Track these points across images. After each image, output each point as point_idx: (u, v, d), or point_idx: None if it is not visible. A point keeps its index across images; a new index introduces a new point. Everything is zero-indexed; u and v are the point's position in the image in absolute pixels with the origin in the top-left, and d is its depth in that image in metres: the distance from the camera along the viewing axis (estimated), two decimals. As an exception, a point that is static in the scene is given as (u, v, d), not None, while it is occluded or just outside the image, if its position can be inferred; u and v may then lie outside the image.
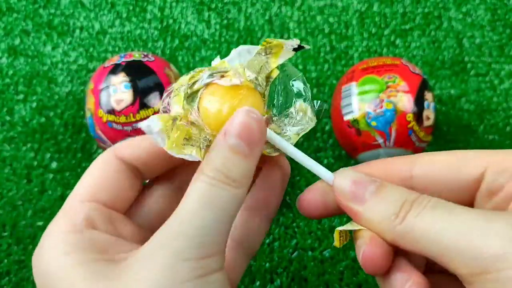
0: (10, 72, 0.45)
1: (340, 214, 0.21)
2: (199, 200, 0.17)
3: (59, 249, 0.18)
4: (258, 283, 0.35)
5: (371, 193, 0.18)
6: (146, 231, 0.21)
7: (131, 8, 0.49)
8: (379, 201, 0.18)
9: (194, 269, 0.16)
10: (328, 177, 0.20)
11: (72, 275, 0.17)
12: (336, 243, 0.20)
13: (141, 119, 0.34)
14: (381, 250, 0.18)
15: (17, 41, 0.47)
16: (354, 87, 0.36)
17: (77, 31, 0.48)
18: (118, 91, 0.34)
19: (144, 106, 0.34)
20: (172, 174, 0.23)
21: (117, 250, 0.18)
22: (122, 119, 0.34)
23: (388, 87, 0.35)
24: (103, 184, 0.20)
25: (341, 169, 0.20)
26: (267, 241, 0.37)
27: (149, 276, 0.16)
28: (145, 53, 0.37)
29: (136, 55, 0.36)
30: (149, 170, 0.22)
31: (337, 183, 0.19)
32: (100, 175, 0.20)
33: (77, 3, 0.50)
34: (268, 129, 0.20)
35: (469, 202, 0.20)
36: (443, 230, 0.16)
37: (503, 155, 0.19)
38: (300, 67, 0.46)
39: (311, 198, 0.21)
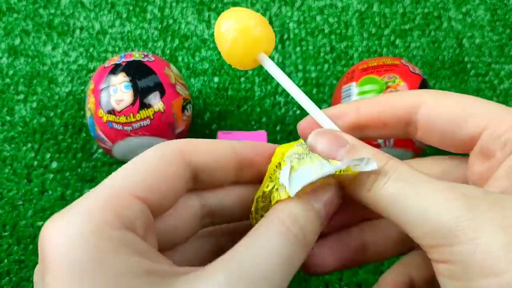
0: (10, 72, 0.45)
1: None
2: (278, 252, 0.16)
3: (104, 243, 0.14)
4: (258, 283, 0.35)
5: (341, 156, 0.18)
6: (160, 246, 0.18)
7: (131, 8, 0.49)
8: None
9: None
10: (326, 125, 0.20)
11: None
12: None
13: (141, 119, 0.34)
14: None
15: (17, 41, 0.47)
16: (354, 87, 0.36)
17: (77, 31, 0.48)
18: (118, 91, 0.34)
19: (144, 106, 0.34)
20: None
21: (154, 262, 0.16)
22: (122, 119, 0.34)
23: (388, 87, 0.35)
24: (158, 184, 0.17)
25: (315, 129, 0.20)
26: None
27: None
28: (145, 53, 0.37)
29: (136, 55, 0.36)
30: (204, 182, 0.19)
31: (309, 143, 0.19)
32: (158, 174, 0.17)
33: (77, 3, 0.50)
34: (266, 58, 0.20)
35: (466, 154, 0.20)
36: (405, 203, 0.16)
37: (504, 117, 0.18)
38: (300, 67, 0.46)
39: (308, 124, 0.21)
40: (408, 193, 0.16)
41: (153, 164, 0.17)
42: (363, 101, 0.20)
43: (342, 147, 0.18)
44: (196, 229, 0.18)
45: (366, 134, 0.21)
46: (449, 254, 0.15)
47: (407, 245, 0.22)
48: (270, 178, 0.19)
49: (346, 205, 0.20)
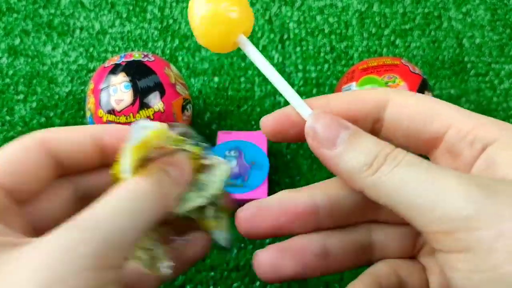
0: (10, 72, 0.45)
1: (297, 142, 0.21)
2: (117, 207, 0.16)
3: None
4: (258, 283, 0.35)
5: (343, 140, 0.18)
6: (36, 230, 0.19)
7: (131, 8, 0.49)
8: (351, 148, 0.18)
9: (90, 280, 0.15)
10: (306, 113, 0.20)
11: None
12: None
13: (141, 119, 0.34)
14: None
15: (17, 41, 0.47)
16: (354, 87, 0.36)
17: (77, 31, 0.48)
18: (118, 91, 0.34)
19: (144, 106, 0.34)
20: (81, 177, 0.21)
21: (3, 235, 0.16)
22: (122, 119, 0.34)
23: (388, 87, 0.35)
24: (16, 171, 0.18)
25: (316, 110, 0.20)
26: (267, 241, 0.37)
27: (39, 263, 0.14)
28: (145, 53, 0.37)
29: (136, 55, 0.36)
30: (70, 167, 0.20)
31: (310, 125, 0.19)
32: (16, 161, 0.18)
33: (77, 3, 0.50)
34: (247, 40, 0.20)
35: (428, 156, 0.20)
36: (417, 189, 0.16)
37: (472, 120, 0.18)
38: (300, 67, 0.46)
39: (276, 118, 0.21)
40: (419, 178, 0.16)
41: (12, 153, 0.18)
42: (333, 95, 0.20)
43: (345, 129, 0.18)
44: (71, 212, 0.18)
45: None
46: (466, 241, 0.15)
47: (366, 256, 0.22)
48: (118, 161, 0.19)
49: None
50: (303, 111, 0.20)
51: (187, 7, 0.49)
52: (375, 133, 0.20)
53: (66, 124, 0.42)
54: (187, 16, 0.21)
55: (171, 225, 0.21)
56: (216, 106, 0.44)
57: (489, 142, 0.17)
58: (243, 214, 0.21)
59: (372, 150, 0.17)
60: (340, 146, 0.18)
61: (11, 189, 0.18)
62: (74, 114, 0.43)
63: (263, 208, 0.21)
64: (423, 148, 0.20)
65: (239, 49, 0.46)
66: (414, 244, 0.22)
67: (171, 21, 0.49)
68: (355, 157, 0.18)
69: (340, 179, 0.20)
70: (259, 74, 0.45)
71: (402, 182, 0.16)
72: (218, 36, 0.20)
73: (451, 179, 0.16)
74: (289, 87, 0.20)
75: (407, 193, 0.16)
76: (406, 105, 0.19)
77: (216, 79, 0.45)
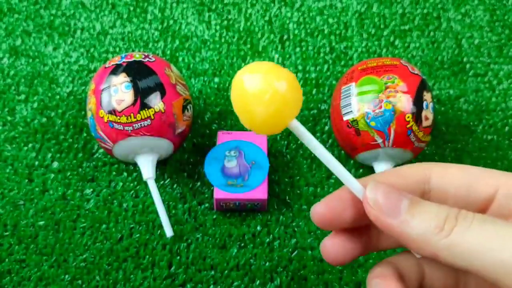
0: (12, 72, 0.45)
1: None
2: None
3: None
4: (258, 282, 0.36)
5: (407, 206, 0.18)
6: None
7: (132, 9, 0.50)
8: (417, 214, 0.18)
9: None
10: (358, 188, 0.20)
11: None
12: None
13: (142, 119, 0.34)
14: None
15: (18, 42, 0.47)
16: (353, 88, 0.36)
17: (78, 31, 0.48)
18: (119, 92, 0.34)
19: (144, 106, 0.34)
20: None
21: None
22: (123, 119, 0.34)
23: (387, 87, 0.35)
24: None
25: (370, 181, 0.20)
26: (267, 240, 0.37)
27: None
28: (146, 54, 0.37)
29: (137, 56, 0.37)
30: None
31: (370, 196, 0.19)
32: None
33: (78, 4, 0.50)
34: (299, 124, 0.19)
35: None
36: (500, 246, 0.16)
37: (510, 177, 0.19)
38: (300, 67, 0.46)
39: (329, 203, 0.21)
40: (500, 234, 0.16)
41: None
42: (378, 175, 0.21)
43: (405, 198, 0.19)
44: None
45: None
46: None
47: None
48: None
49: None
50: (356, 187, 0.20)
51: (187, 8, 0.50)
52: None
53: (67, 124, 0.42)
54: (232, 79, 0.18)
55: None
56: (216, 106, 0.44)
57: None
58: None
59: (439, 213, 0.18)
60: (404, 213, 0.18)
61: None
62: (75, 114, 0.43)
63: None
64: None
65: (238, 50, 0.46)
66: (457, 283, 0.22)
67: (171, 21, 0.49)
68: (423, 221, 0.18)
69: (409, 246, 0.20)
70: (259, 74, 0.45)
71: (482, 240, 0.16)
72: (273, 121, 0.18)
73: None
74: (341, 165, 0.20)
75: (489, 252, 0.16)
76: (448, 173, 0.20)
77: (216, 79, 0.45)
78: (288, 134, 0.42)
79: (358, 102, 0.35)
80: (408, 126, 0.35)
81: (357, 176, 0.40)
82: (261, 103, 0.17)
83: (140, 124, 0.34)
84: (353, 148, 0.37)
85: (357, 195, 0.20)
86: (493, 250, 0.16)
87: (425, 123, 0.35)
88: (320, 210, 0.21)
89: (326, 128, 0.42)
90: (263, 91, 0.17)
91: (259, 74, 0.17)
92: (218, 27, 0.49)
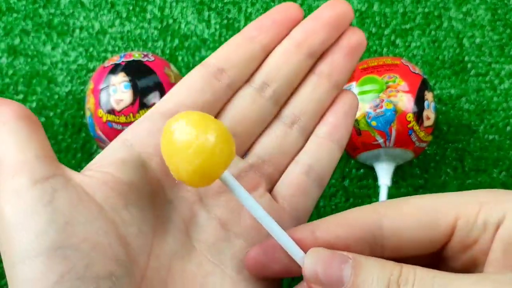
0: (10, 72, 0.45)
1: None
2: None
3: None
4: (258, 283, 0.35)
5: (349, 276, 0.17)
6: None
7: (131, 8, 0.49)
8: (360, 284, 0.17)
9: None
10: (299, 255, 0.18)
11: None
12: None
13: (141, 119, 0.34)
14: None
15: (16, 41, 0.47)
16: (354, 87, 0.36)
17: (77, 31, 0.48)
18: (118, 91, 0.34)
19: (144, 106, 0.34)
20: None
21: None
22: (122, 119, 0.34)
23: (388, 87, 0.35)
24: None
25: (309, 251, 0.18)
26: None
27: None
28: (145, 53, 0.37)
29: (136, 55, 0.36)
30: None
31: (308, 267, 0.18)
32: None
33: (77, 2, 0.49)
34: (231, 177, 0.18)
35: (438, 255, 0.19)
36: None
37: (474, 201, 0.18)
38: (300, 67, 0.46)
39: (265, 250, 0.19)
40: None
41: None
42: (317, 223, 0.19)
43: (345, 262, 0.17)
44: None
45: None
46: None
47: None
48: None
49: None
50: (297, 254, 0.18)
51: (187, 6, 0.49)
52: (377, 255, 0.19)
53: (66, 123, 0.42)
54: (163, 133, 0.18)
55: None
56: (216, 106, 0.43)
57: (500, 220, 0.17)
58: None
59: (380, 279, 0.17)
60: (347, 284, 0.17)
61: None
62: (74, 114, 0.43)
63: None
64: (433, 249, 0.19)
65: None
66: None
67: (171, 20, 0.49)
68: None
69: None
70: (259, 74, 0.45)
71: None
72: (199, 175, 0.17)
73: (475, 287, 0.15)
74: (277, 225, 0.18)
75: None
76: (400, 216, 0.19)
77: (216, 79, 0.45)
78: (288, 134, 0.42)
79: (358, 102, 0.35)
80: (409, 125, 0.34)
81: (358, 177, 0.40)
82: (184, 157, 0.16)
83: (139, 124, 0.34)
84: (354, 148, 0.37)
85: (298, 262, 0.18)
86: None
87: (427, 123, 0.35)
88: (254, 255, 0.19)
89: (327, 128, 0.42)
90: (187, 144, 0.16)
91: (187, 125, 0.16)
92: (218, 26, 0.48)
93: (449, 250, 0.19)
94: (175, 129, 0.17)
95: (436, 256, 0.20)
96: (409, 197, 0.19)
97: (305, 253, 0.18)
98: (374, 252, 0.19)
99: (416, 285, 0.16)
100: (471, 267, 0.18)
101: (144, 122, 0.21)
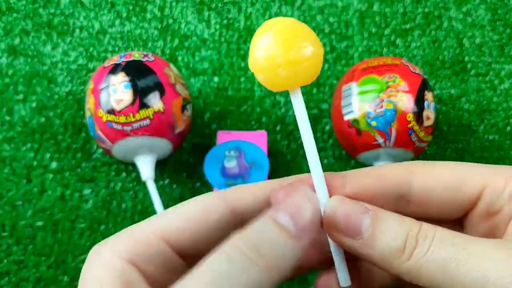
0: (10, 72, 0.45)
1: None
2: (215, 274, 0.15)
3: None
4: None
5: (367, 227, 0.17)
6: None
7: (131, 7, 0.49)
8: (378, 234, 0.17)
9: None
10: (323, 201, 0.19)
11: None
12: None
13: (141, 119, 0.34)
14: None
15: (16, 41, 0.47)
16: (354, 87, 0.36)
17: (77, 30, 0.48)
18: (117, 91, 0.34)
19: (143, 106, 0.34)
20: None
21: None
22: (122, 119, 0.34)
23: (388, 87, 0.35)
24: (191, 230, 0.18)
25: (334, 197, 0.18)
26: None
27: None
28: (145, 53, 0.37)
29: (136, 55, 0.36)
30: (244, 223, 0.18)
31: (328, 215, 0.18)
32: (194, 217, 0.18)
33: (76, 2, 0.49)
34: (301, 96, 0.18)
35: (461, 219, 0.20)
36: (458, 269, 0.16)
37: (502, 174, 0.18)
38: (300, 67, 0.46)
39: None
40: (460, 258, 0.16)
41: (193, 211, 0.18)
42: (350, 173, 0.20)
43: (365, 213, 0.18)
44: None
45: None
46: None
47: None
48: None
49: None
50: (322, 193, 0.19)
51: (187, 6, 0.49)
52: (402, 210, 0.19)
53: (66, 123, 0.42)
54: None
55: None
56: (216, 106, 0.43)
57: None
58: None
59: (399, 233, 0.17)
60: (365, 234, 0.17)
61: (183, 247, 0.18)
62: (74, 114, 0.43)
63: None
64: (457, 214, 0.20)
65: (238, 49, 0.46)
66: None
67: (171, 20, 0.49)
68: (384, 243, 0.17)
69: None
70: (259, 74, 0.45)
71: (442, 263, 0.16)
72: (281, 80, 0.18)
73: (490, 253, 0.16)
74: (318, 161, 0.19)
75: (450, 274, 0.16)
76: (432, 176, 0.19)
77: (216, 79, 0.45)
78: (288, 134, 0.42)
79: (359, 102, 0.35)
80: (409, 125, 0.34)
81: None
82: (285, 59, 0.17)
83: (139, 124, 0.34)
84: (354, 148, 0.37)
85: (320, 206, 0.18)
86: (452, 273, 0.16)
87: (427, 123, 0.35)
88: (280, 195, 0.19)
89: (327, 128, 0.42)
90: (288, 57, 0.17)
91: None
92: (217, 26, 0.48)
93: (472, 217, 0.19)
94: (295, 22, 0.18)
95: (457, 224, 0.20)
96: (440, 161, 0.20)
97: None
98: (399, 207, 0.19)
99: (435, 241, 0.16)
100: (490, 237, 0.19)
101: None
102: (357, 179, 0.19)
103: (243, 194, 0.19)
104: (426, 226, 0.17)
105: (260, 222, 0.16)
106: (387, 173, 0.19)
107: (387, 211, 0.18)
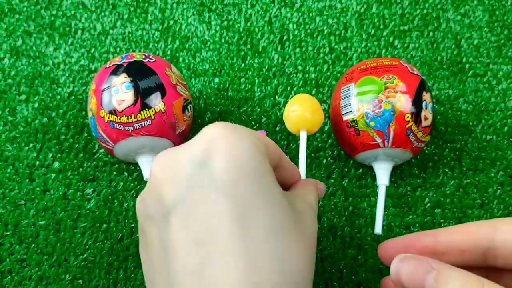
0: (12, 72, 0.45)
1: None
2: None
3: None
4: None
5: (432, 283, 0.18)
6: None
7: (132, 9, 0.50)
8: None
9: None
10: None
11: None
12: None
13: (142, 119, 0.34)
14: None
15: (19, 42, 0.47)
16: (353, 88, 0.36)
17: (79, 32, 0.48)
18: (119, 92, 0.34)
19: (145, 106, 0.34)
20: None
21: None
22: (124, 119, 0.34)
23: (386, 87, 0.35)
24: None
25: (400, 255, 0.20)
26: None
27: None
28: (146, 54, 0.37)
29: (137, 56, 0.37)
30: None
31: (394, 273, 0.19)
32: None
33: (78, 4, 0.50)
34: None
35: None
36: None
37: None
38: (300, 68, 0.46)
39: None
40: None
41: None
42: (441, 231, 0.21)
43: (429, 273, 0.18)
44: None
45: (443, 260, 0.21)
46: None
47: None
48: None
49: None
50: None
51: (187, 8, 0.50)
52: (491, 265, 0.20)
53: (68, 124, 0.42)
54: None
55: None
56: (216, 106, 0.44)
57: None
58: None
59: None
60: None
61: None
62: (76, 114, 0.43)
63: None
64: None
65: (238, 50, 0.46)
66: None
67: (172, 22, 0.49)
68: None
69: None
70: (259, 75, 0.46)
71: None
72: (294, 125, 0.35)
73: None
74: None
75: None
76: None
77: (216, 79, 0.45)
78: (288, 134, 0.42)
79: (357, 102, 0.36)
80: (408, 126, 0.35)
81: (356, 177, 0.40)
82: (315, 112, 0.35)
83: (141, 124, 0.34)
84: (352, 148, 0.37)
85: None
86: None
87: (425, 123, 0.35)
88: (388, 246, 0.22)
89: (326, 128, 0.43)
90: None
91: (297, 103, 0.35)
92: (218, 28, 0.49)
93: None
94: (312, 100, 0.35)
95: None
96: None
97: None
98: (487, 260, 0.20)
99: None
100: None
101: None
102: (447, 237, 0.21)
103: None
104: (487, 285, 0.17)
105: None
106: (473, 229, 0.21)
107: (453, 268, 0.19)
